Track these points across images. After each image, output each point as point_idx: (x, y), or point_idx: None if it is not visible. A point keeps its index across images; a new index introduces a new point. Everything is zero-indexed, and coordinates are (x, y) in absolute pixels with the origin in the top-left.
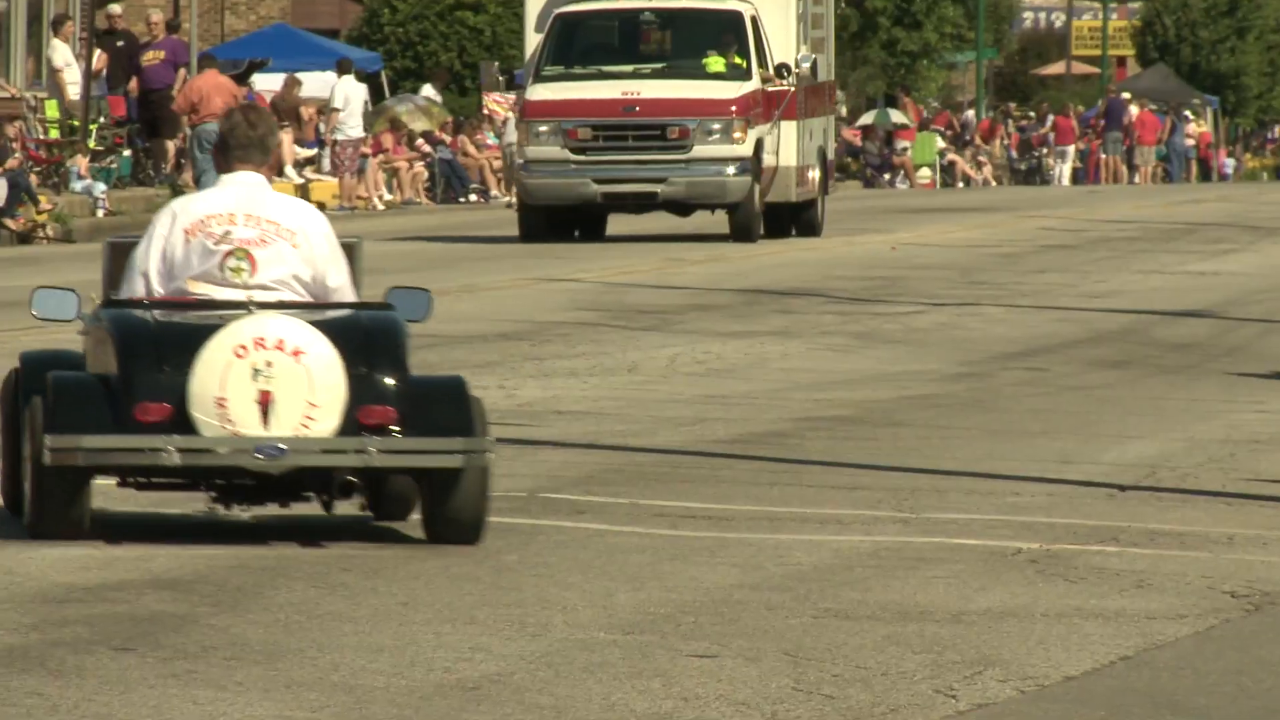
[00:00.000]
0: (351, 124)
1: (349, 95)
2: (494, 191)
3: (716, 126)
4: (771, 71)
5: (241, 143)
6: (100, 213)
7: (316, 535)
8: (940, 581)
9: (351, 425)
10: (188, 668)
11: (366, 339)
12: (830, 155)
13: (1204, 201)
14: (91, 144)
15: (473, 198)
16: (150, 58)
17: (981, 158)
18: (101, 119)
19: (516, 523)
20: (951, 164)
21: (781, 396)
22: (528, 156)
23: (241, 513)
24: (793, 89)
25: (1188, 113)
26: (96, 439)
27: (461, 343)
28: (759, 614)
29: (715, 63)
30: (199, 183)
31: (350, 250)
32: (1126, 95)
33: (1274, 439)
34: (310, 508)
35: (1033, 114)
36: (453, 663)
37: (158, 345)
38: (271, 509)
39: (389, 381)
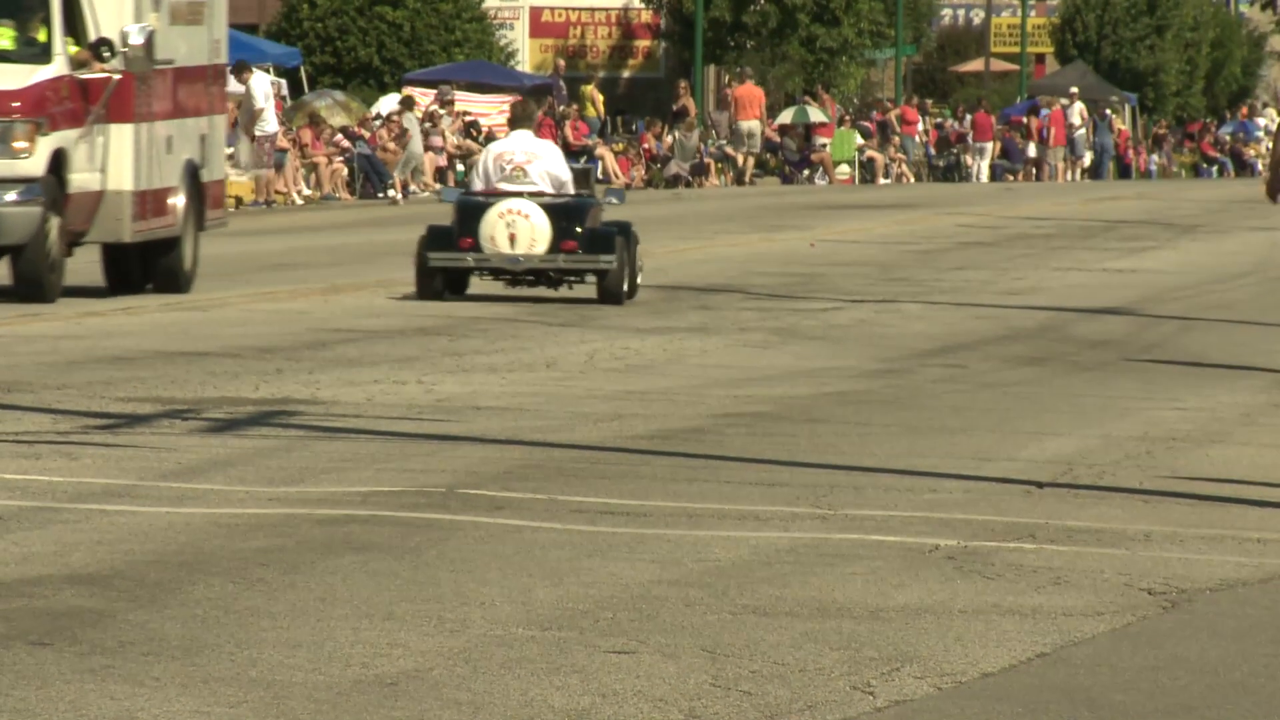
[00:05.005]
0: (267, 118)
1: (267, 92)
2: (393, 192)
3: None
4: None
5: (517, 117)
6: None
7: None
8: (858, 578)
9: (556, 250)
10: (105, 663)
11: (567, 211)
12: (217, 174)
13: (1122, 199)
14: None
15: (391, 193)
16: None
17: (899, 154)
18: None
19: (435, 518)
20: (870, 160)
21: (700, 393)
22: None
23: (515, 290)
24: (119, 76)
25: (1108, 110)
26: (437, 254)
27: (381, 338)
28: (677, 610)
29: (1, 37)
30: None
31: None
32: (1074, 93)
33: (1190, 436)
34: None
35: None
36: (371, 658)
37: (472, 211)
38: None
39: (577, 230)
